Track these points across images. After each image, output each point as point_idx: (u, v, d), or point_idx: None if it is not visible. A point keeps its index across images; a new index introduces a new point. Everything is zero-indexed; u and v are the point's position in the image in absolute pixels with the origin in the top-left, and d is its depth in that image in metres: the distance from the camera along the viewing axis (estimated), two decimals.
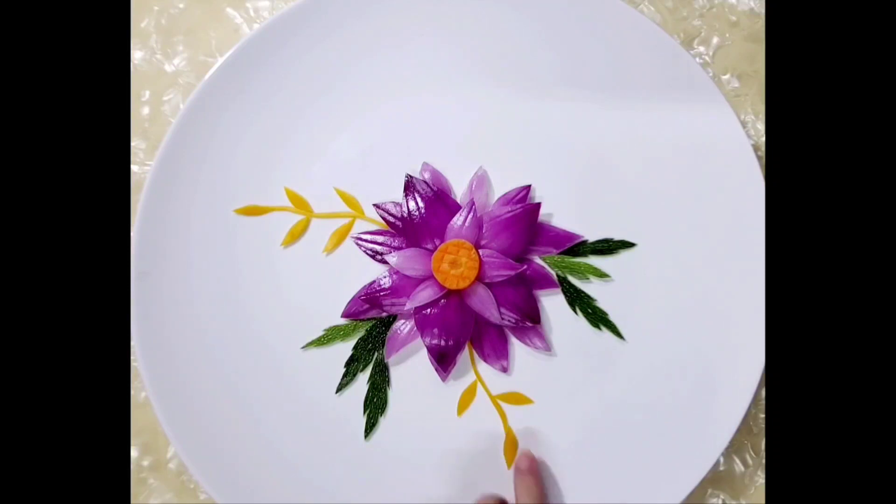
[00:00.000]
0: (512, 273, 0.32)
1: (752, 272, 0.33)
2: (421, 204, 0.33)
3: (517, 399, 0.33)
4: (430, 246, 0.33)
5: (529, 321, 0.33)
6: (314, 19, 0.35)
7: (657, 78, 0.35)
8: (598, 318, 0.34)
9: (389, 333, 0.34)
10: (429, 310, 0.33)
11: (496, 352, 0.33)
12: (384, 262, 0.33)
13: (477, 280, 0.32)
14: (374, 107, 0.35)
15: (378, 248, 0.34)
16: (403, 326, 0.33)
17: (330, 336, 0.34)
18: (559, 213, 0.35)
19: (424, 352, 0.33)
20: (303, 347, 0.34)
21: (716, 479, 0.35)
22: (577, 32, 0.35)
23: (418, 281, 0.33)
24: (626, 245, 0.34)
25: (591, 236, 0.34)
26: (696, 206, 0.34)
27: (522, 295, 0.33)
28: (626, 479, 0.32)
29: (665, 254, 0.34)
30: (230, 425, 0.33)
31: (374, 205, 0.34)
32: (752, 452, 0.35)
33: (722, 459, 0.35)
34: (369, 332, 0.34)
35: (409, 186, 0.34)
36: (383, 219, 0.34)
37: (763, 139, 0.37)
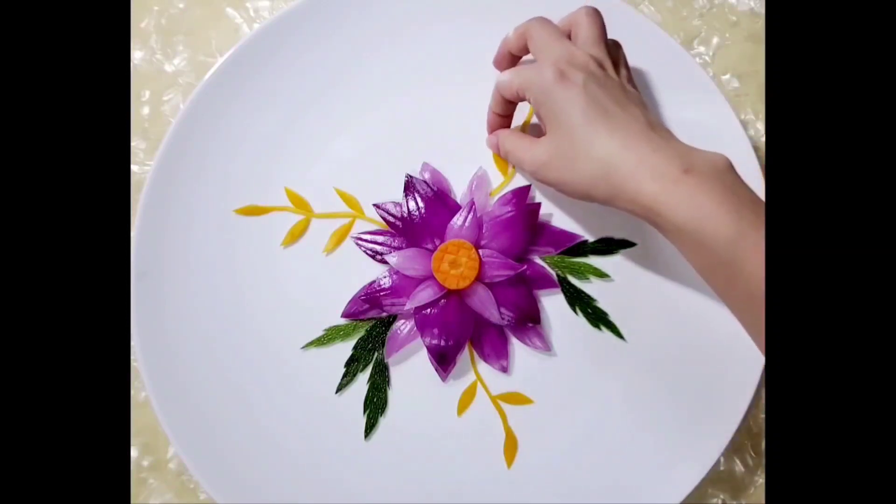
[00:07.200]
0: (512, 273, 0.32)
1: None
2: (421, 204, 0.33)
3: (517, 399, 0.33)
4: (430, 246, 0.33)
5: (529, 321, 0.33)
6: (314, 19, 0.35)
7: (657, 78, 0.35)
8: (598, 318, 0.34)
9: (389, 333, 0.34)
10: (429, 310, 0.33)
11: (496, 352, 0.33)
12: (384, 262, 0.33)
13: (477, 280, 0.32)
14: (374, 107, 0.35)
15: (378, 248, 0.34)
16: (403, 326, 0.33)
17: (330, 336, 0.34)
18: (559, 213, 0.35)
19: (424, 352, 0.33)
20: (303, 347, 0.34)
21: (716, 479, 0.35)
22: None
23: (418, 281, 0.33)
24: (626, 245, 0.34)
25: (591, 236, 0.34)
26: None
27: (522, 295, 0.33)
28: (627, 479, 0.32)
29: (665, 254, 0.34)
30: (230, 425, 0.33)
31: (374, 205, 0.34)
32: (752, 452, 0.35)
33: (722, 459, 0.35)
34: (369, 332, 0.34)
35: (409, 186, 0.34)
36: (383, 219, 0.34)
37: (763, 139, 0.37)
